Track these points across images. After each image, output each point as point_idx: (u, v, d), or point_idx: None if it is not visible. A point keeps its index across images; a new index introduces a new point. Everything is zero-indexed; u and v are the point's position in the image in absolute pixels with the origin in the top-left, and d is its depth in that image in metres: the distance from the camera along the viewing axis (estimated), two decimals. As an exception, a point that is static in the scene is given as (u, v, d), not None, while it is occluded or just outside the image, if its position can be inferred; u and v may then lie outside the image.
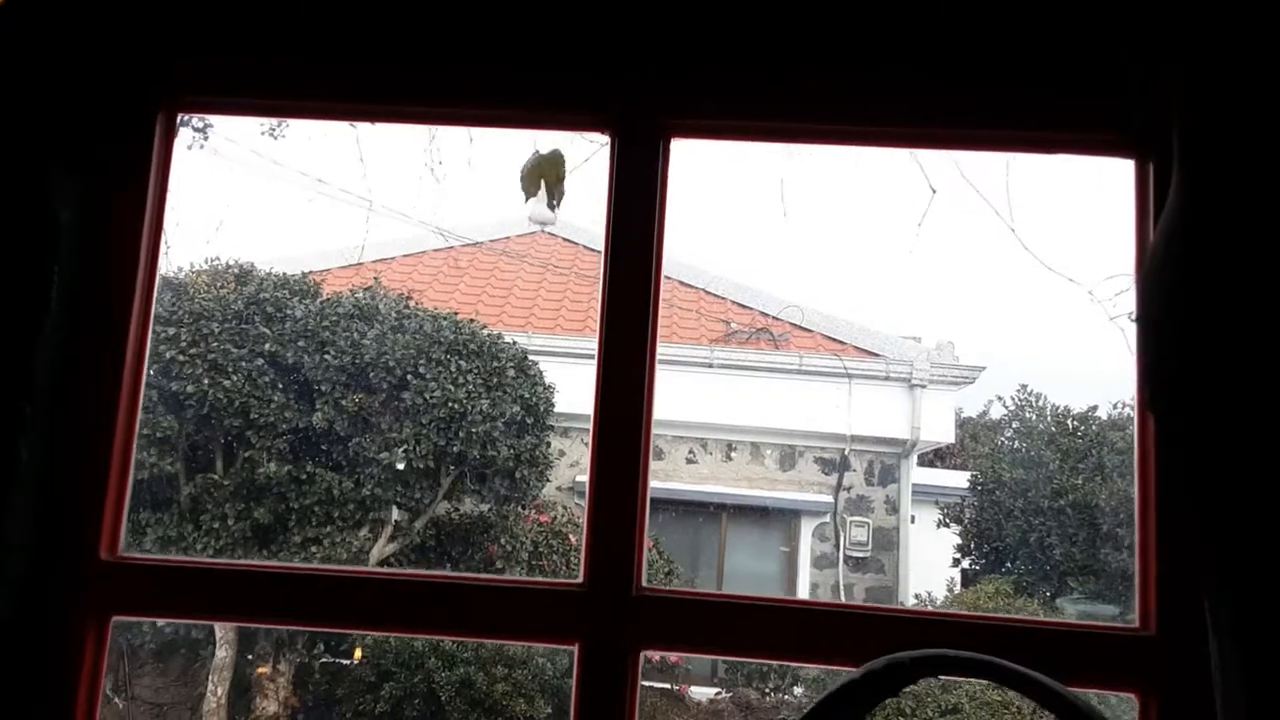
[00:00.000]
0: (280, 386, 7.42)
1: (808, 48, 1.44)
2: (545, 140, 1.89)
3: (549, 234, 11.47)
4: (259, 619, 1.31)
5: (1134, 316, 1.08)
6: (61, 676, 1.24)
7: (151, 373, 7.02)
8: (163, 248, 1.43)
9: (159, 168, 1.44)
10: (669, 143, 1.48)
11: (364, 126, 3.48)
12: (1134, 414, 1.32)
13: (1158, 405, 0.92)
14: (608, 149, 1.51)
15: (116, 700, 7.42)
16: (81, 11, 1.43)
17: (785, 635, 1.23)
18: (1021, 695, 1.06)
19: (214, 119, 5.95)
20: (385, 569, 6.98)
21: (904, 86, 1.43)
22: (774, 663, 7.25)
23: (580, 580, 1.25)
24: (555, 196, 1.91)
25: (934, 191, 2.59)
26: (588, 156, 1.97)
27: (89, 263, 1.35)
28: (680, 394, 9.12)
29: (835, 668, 1.17)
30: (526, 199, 1.93)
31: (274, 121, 6.42)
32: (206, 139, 6.56)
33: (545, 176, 1.90)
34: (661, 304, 1.40)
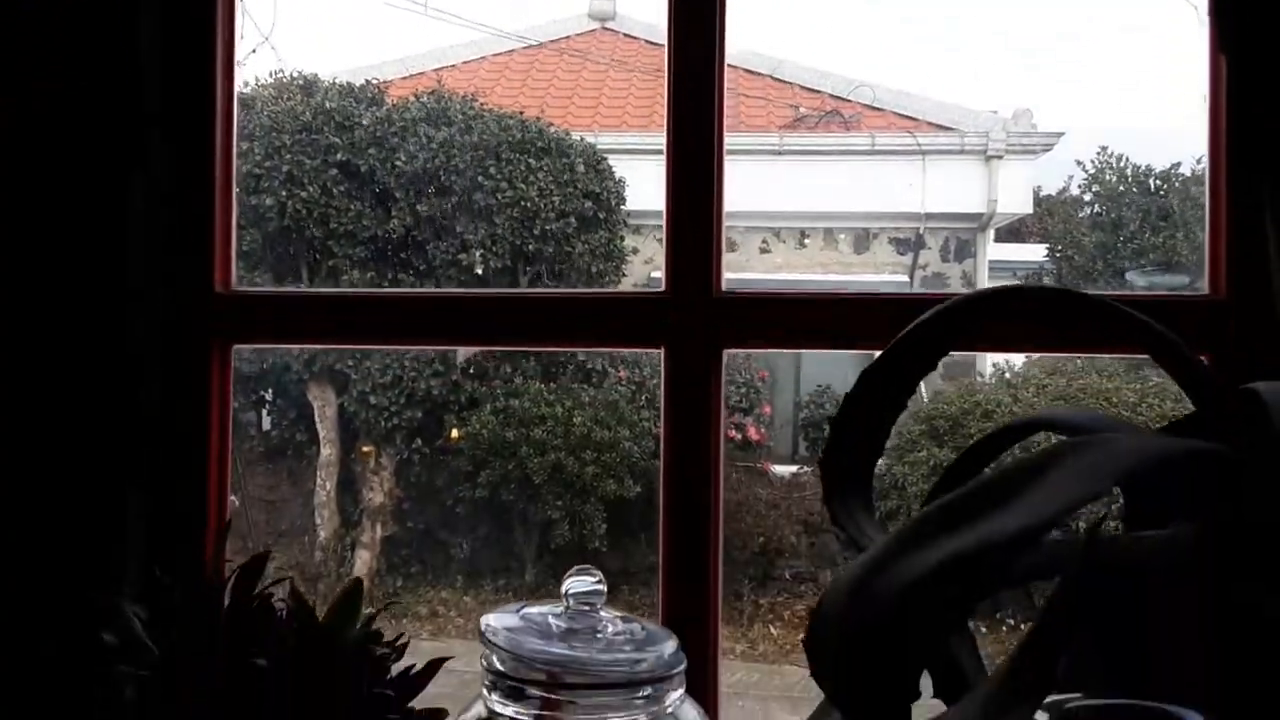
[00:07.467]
0: (355, 195, 7.53)
1: None
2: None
3: (609, 30, 11.14)
4: (371, 339, 1.40)
5: None
6: (195, 402, 1.35)
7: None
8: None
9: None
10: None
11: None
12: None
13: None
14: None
15: (233, 498, 7.87)
16: None
17: (863, 325, 1.28)
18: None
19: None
20: (487, 289, 7.31)
21: None
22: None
23: (663, 289, 1.31)
24: None
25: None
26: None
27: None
28: (750, 184, 8.97)
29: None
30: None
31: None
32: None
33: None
34: (727, 93, 1.39)
